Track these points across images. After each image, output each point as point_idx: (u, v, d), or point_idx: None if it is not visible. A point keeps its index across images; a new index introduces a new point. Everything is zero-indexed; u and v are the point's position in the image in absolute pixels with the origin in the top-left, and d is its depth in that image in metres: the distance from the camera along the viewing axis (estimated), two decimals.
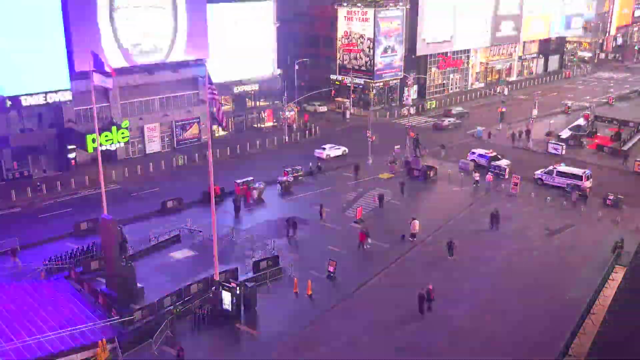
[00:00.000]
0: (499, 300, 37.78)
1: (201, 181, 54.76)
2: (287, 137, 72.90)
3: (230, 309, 35.09)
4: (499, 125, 77.92)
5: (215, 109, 34.02)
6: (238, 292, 35.15)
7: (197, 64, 68.08)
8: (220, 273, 37.76)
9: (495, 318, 35.72)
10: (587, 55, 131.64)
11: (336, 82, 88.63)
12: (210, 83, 34.20)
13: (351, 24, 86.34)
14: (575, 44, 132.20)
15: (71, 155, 60.52)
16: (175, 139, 68.46)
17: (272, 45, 75.76)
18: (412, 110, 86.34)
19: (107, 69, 37.29)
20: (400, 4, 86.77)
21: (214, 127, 68.21)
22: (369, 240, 44.29)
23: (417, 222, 46.04)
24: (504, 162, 61.22)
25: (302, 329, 34.56)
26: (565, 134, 73.29)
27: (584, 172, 55.83)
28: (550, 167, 58.03)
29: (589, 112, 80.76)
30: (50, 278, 39.23)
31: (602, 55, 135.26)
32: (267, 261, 40.69)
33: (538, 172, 58.26)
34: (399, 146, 65.90)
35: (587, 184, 54.96)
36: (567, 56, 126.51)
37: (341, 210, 51.41)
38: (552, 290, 38.65)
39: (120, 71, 62.35)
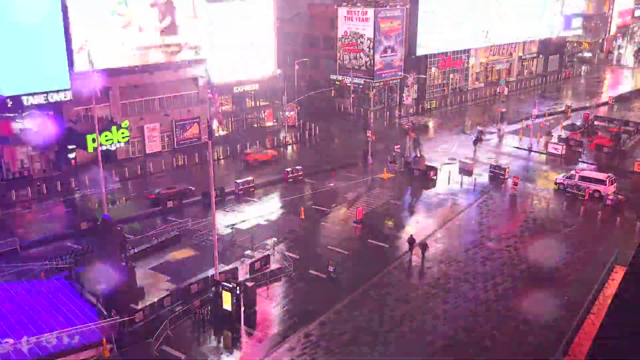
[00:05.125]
0: (498, 300, 37.77)
1: (201, 181, 54.92)
2: (287, 136, 73.06)
3: (230, 309, 35.12)
4: (499, 125, 77.87)
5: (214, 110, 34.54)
6: (238, 292, 35.18)
7: (198, 64, 68.14)
8: (220, 273, 37.82)
9: (495, 318, 35.73)
10: (587, 55, 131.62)
11: (336, 82, 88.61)
12: (211, 86, 34.60)
13: (351, 24, 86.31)
14: (575, 44, 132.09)
15: (71, 155, 60.50)
16: (175, 139, 68.45)
17: (272, 45, 75.76)
18: (412, 110, 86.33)
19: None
20: (400, 3, 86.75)
21: (215, 126, 68.27)
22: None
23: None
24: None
25: (302, 328, 34.56)
26: (565, 133, 73.37)
27: (608, 177, 53.97)
28: (572, 172, 56.23)
29: (588, 112, 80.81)
30: (50, 278, 39.24)
31: (602, 55, 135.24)
32: (266, 261, 40.77)
33: (559, 177, 56.70)
34: (399, 146, 65.91)
35: (611, 188, 53.27)
36: (566, 56, 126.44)
37: None
38: (551, 290, 38.68)
39: (120, 71, 62.60)
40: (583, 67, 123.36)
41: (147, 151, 66.24)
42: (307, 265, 41.38)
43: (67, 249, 42.91)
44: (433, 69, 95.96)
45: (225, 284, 35.62)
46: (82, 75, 54.75)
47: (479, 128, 75.18)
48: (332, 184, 57.78)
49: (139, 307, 35.61)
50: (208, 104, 35.04)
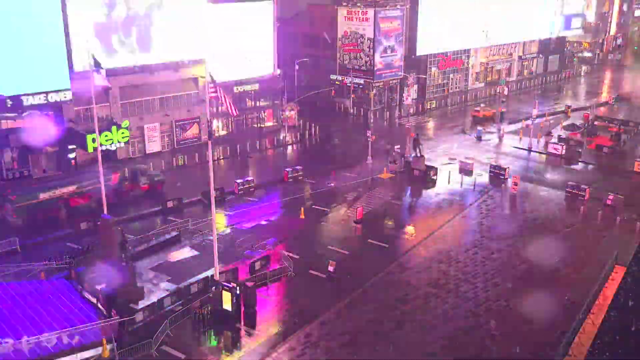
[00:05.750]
0: (498, 300, 37.76)
1: (201, 181, 54.88)
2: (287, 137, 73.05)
3: (230, 309, 35.11)
4: (499, 125, 77.90)
5: (223, 104, 35.06)
6: (238, 292, 35.18)
7: (198, 64, 68.09)
8: (220, 273, 37.81)
9: (495, 318, 35.72)
10: (587, 55, 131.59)
11: (336, 82, 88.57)
12: (212, 82, 34.76)
13: (351, 24, 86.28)
14: (575, 44, 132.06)
15: (71, 155, 60.45)
16: (175, 138, 68.44)
17: (272, 45, 75.75)
18: (412, 110, 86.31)
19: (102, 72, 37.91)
20: (401, 3, 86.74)
21: (214, 126, 68.35)
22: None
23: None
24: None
25: (302, 328, 34.57)
26: (565, 133, 73.39)
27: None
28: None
29: (588, 112, 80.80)
30: (50, 278, 39.24)
31: (602, 55, 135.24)
32: (265, 261, 40.80)
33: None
34: (399, 146, 65.88)
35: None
36: (567, 56, 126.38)
37: None
38: (551, 290, 38.66)
39: (120, 71, 62.55)
40: (583, 67, 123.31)
41: (147, 151, 66.23)
42: (307, 265, 41.38)
43: (67, 249, 42.89)
44: (433, 69, 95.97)
45: (225, 284, 35.64)
46: (82, 75, 54.70)
47: (479, 128, 75.24)
48: (332, 184, 57.80)
49: (139, 307, 35.61)
50: (215, 103, 35.27)
